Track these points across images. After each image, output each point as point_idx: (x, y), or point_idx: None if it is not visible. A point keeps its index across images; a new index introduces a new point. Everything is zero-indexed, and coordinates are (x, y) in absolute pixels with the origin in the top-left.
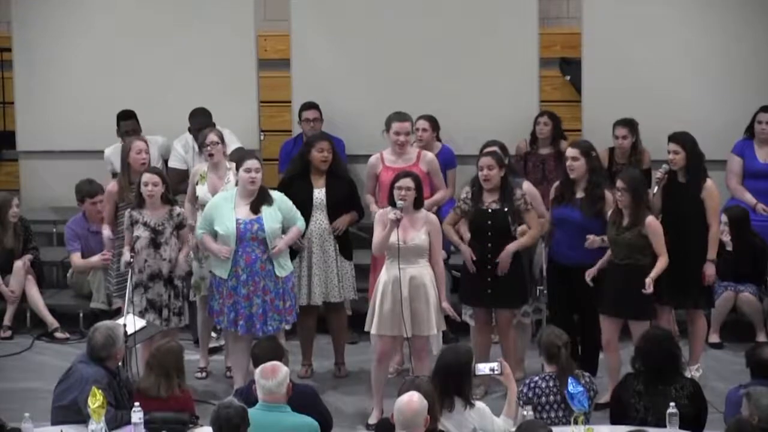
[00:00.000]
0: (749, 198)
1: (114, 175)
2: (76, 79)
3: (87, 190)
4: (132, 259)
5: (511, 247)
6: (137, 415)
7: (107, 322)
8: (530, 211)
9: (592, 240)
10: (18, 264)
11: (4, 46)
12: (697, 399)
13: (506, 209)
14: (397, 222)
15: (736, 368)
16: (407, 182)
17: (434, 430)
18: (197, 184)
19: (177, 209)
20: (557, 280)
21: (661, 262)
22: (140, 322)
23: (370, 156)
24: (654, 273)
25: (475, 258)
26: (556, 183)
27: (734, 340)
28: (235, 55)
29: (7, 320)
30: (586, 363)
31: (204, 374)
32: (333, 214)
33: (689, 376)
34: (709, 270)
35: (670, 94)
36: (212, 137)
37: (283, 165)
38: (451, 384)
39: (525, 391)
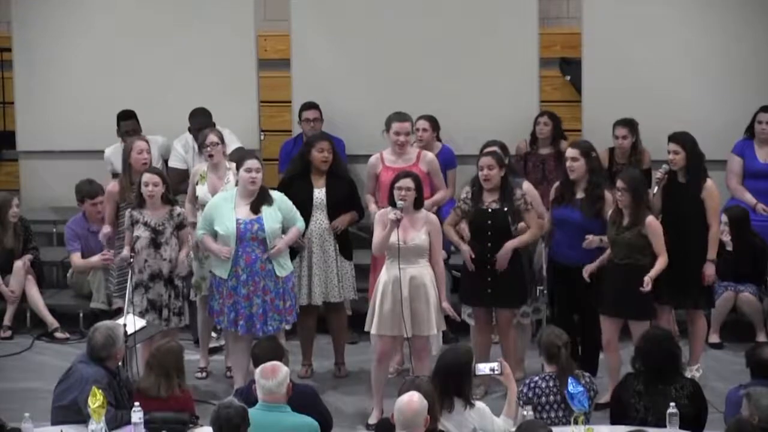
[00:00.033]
0: (749, 198)
1: (114, 175)
2: (76, 79)
3: (87, 191)
4: (132, 259)
5: (511, 244)
6: (137, 415)
7: (107, 322)
8: (530, 211)
9: (591, 240)
10: (18, 264)
11: (4, 46)
12: (697, 399)
13: (506, 209)
14: (397, 222)
15: (736, 368)
16: (407, 182)
17: (434, 430)
18: (197, 184)
19: (177, 209)
20: (557, 280)
21: (661, 262)
22: (140, 322)
23: (370, 156)
24: (653, 272)
25: (474, 257)
26: (556, 183)
27: (734, 340)
28: (235, 55)
29: (7, 320)
30: (586, 363)
31: (204, 374)
32: (333, 214)
33: (689, 376)
34: (709, 270)
35: (670, 94)
36: (212, 138)
37: (283, 165)
38: (451, 384)
39: (525, 391)
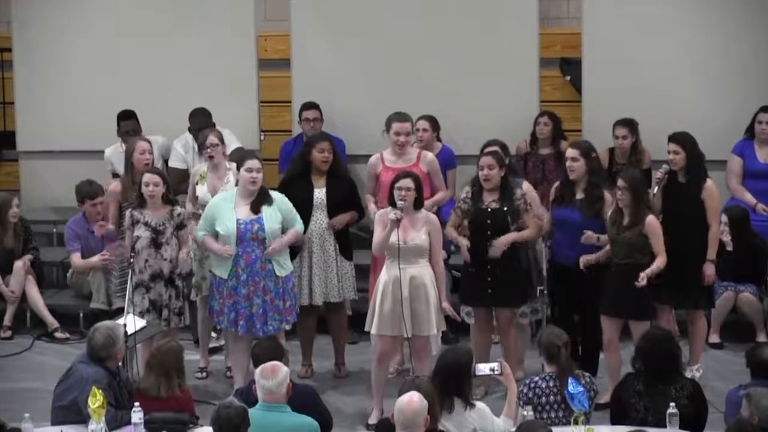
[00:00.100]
0: (749, 198)
1: (114, 175)
2: (76, 79)
3: (87, 191)
4: (132, 259)
5: (509, 237)
6: (137, 415)
7: (107, 323)
8: (529, 211)
9: (589, 236)
10: (18, 264)
11: (4, 46)
12: (697, 399)
13: (506, 209)
14: (397, 222)
15: (736, 368)
16: (407, 182)
17: (434, 430)
18: (197, 184)
19: (178, 209)
20: (557, 280)
21: (659, 262)
22: (140, 322)
23: (370, 156)
24: (649, 270)
25: (470, 246)
26: (556, 183)
27: (734, 340)
28: (235, 55)
29: (7, 320)
30: (587, 363)
31: (204, 374)
32: (333, 215)
33: (689, 376)
34: (709, 270)
35: (670, 94)
36: (212, 139)
37: (283, 165)
38: (451, 384)
39: (525, 391)
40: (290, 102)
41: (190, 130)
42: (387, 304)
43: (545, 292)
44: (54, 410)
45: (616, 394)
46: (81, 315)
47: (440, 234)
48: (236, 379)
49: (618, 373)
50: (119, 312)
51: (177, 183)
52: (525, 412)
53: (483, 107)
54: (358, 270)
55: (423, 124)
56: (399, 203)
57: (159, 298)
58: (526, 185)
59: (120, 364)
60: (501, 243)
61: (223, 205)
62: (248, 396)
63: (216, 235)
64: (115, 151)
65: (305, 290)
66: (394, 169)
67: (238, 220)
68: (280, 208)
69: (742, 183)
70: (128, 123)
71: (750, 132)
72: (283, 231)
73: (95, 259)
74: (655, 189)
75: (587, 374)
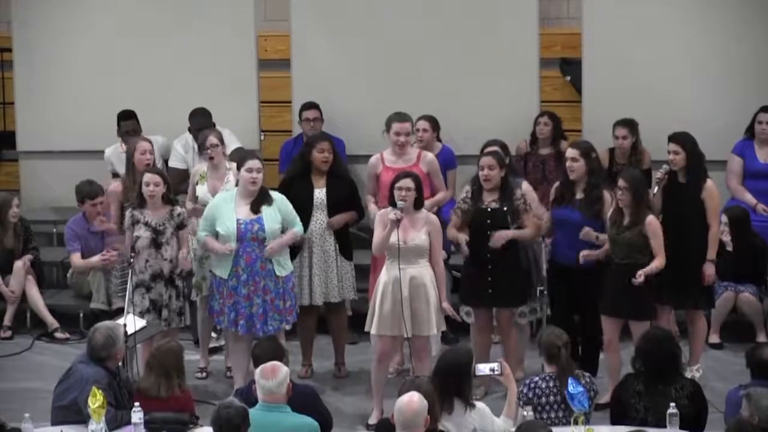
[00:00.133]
0: (749, 198)
1: (114, 175)
2: (76, 79)
3: (87, 191)
4: (132, 259)
5: (509, 233)
6: (137, 415)
7: (107, 323)
8: (528, 212)
9: (587, 232)
10: (18, 264)
11: (4, 46)
12: (697, 399)
13: (505, 209)
14: (397, 222)
15: (736, 368)
16: (407, 183)
17: (434, 430)
18: (197, 184)
19: (178, 209)
20: (557, 280)
21: (657, 262)
22: (140, 322)
23: (370, 156)
24: (647, 269)
25: (469, 242)
26: (556, 184)
27: (734, 341)
28: (235, 55)
29: (7, 320)
30: (587, 363)
31: (204, 374)
32: (333, 215)
33: (689, 377)
34: (709, 270)
35: (670, 94)
36: (212, 140)
37: (283, 165)
38: (451, 384)
39: (525, 391)
40: (290, 102)
41: (190, 130)
42: (387, 304)
43: (545, 292)
44: (54, 410)
45: (616, 394)
46: (81, 315)
47: (440, 234)
48: (236, 379)
49: (618, 373)
50: (119, 312)
51: (177, 183)
52: (525, 413)
53: (483, 107)
54: (358, 270)
55: (423, 124)
56: (399, 203)
57: (159, 298)
58: (525, 185)
59: (120, 364)
60: (500, 236)
61: (224, 205)
62: (248, 396)
63: (216, 235)
64: (115, 151)
65: (305, 290)
66: (394, 169)
67: (238, 220)
68: (279, 209)
69: (742, 183)
70: (128, 123)
71: (750, 132)
72: (283, 231)
73: (95, 259)
74: (655, 189)
75: (587, 374)
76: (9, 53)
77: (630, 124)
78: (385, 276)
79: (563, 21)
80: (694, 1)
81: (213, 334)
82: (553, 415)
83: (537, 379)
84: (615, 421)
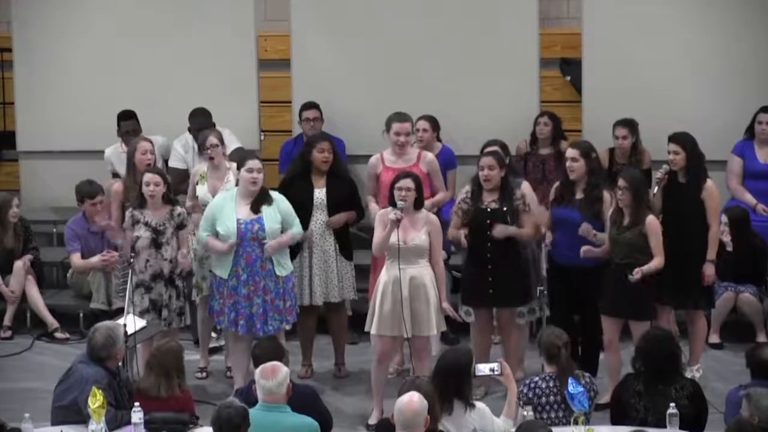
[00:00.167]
0: (749, 198)
1: (114, 175)
2: (76, 79)
3: (87, 191)
4: (132, 259)
5: (510, 230)
6: (137, 415)
7: (107, 323)
8: (527, 213)
9: (587, 228)
10: (18, 264)
11: (4, 46)
12: (697, 399)
13: (505, 209)
14: (397, 222)
15: (736, 369)
16: (407, 183)
17: (434, 430)
18: (197, 184)
19: (178, 209)
20: (557, 280)
21: (656, 262)
22: (140, 322)
23: (370, 156)
24: (646, 267)
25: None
26: (556, 184)
27: (734, 341)
28: (235, 55)
29: (7, 320)
30: (587, 363)
31: (204, 374)
32: (333, 215)
33: (689, 377)
34: (709, 270)
35: (670, 94)
36: (212, 140)
37: (283, 165)
38: (451, 385)
39: (525, 391)
40: (290, 102)
41: (190, 130)
42: (387, 305)
43: (545, 292)
44: (54, 410)
45: (616, 394)
46: (81, 315)
47: (440, 234)
48: (236, 379)
49: (618, 373)
50: (119, 312)
51: (177, 183)
52: (525, 413)
53: (483, 107)
54: (358, 270)
55: (423, 124)
56: (399, 203)
57: (159, 298)
58: (525, 186)
59: (120, 364)
60: (501, 229)
61: (224, 205)
62: (248, 396)
63: (216, 235)
64: (115, 151)
65: (305, 290)
66: (394, 170)
67: (238, 219)
68: (279, 208)
69: (742, 183)
70: (128, 123)
71: (750, 132)
72: (282, 231)
73: (95, 259)
74: (655, 189)
75: (587, 374)
76: (9, 53)
77: (630, 124)
78: (385, 276)
79: (563, 21)
80: (694, 1)
81: (213, 334)
82: (553, 415)
83: (537, 379)
84: (615, 421)
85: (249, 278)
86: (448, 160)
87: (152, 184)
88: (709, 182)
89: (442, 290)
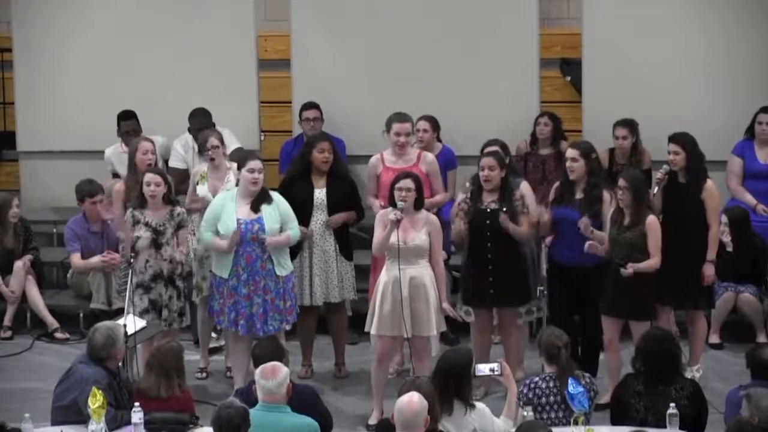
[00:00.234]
0: (749, 199)
1: (114, 175)
2: (76, 79)
3: (87, 190)
4: (132, 259)
5: (510, 226)
6: (137, 415)
7: (107, 323)
8: (525, 213)
9: (586, 224)
10: (18, 264)
11: (4, 46)
12: (697, 399)
13: (505, 209)
14: (397, 222)
15: (736, 369)
16: (408, 183)
17: (434, 430)
18: (197, 184)
19: (178, 209)
20: (557, 280)
21: (651, 261)
22: (140, 323)
23: (370, 156)
24: (640, 265)
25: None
26: (556, 184)
27: (734, 341)
28: (235, 55)
29: (7, 320)
30: (587, 363)
31: (204, 374)
32: (334, 215)
33: (689, 377)
34: (709, 270)
35: (670, 94)
36: (213, 141)
37: (283, 165)
38: (451, 385)
39: (525, 391)
40: (290, 102)
41: (190, 130)
42: (387, 305)
43: (545, 292)
44: (54, 410)
45: (616, 394)
46: (81, 315)
47: (440, 234)
48: (236, 379)
49: (618, 373)
50: (119, 312)
51: (177, 183)
52: (525, 413)
53: (483, 107)
54: (358, 270)
55: (423, 124)
56: (399, 204)
57: (159, 299)
58: (524, 186)
59: (120, 364)
60: (505, 217)
61: (224, 205)
62: (248, 396)
63: (217, 235)
64: (115, 151)
65: (305, 290)
66: (394, 170)
67: (238, 219)
68: (278, 208)
69: (742, 184)
70: (128, 123)
71: (750, 132)
72: (282, 231)
73: (95, 259)
74: (656, 189)
75: (587, 375)
76: (9, 53)
77: (630, 125)
78: (385, 276)
79: (563, 21)
80: (694, 1)
81: (213, 334)
82: (553, 415)
83: (537, 379)
84: (615, 422)
85: (249, 278)
86: (448, 161)
87: (153, 184)
88: (709, 182)
89: (442, 290)
